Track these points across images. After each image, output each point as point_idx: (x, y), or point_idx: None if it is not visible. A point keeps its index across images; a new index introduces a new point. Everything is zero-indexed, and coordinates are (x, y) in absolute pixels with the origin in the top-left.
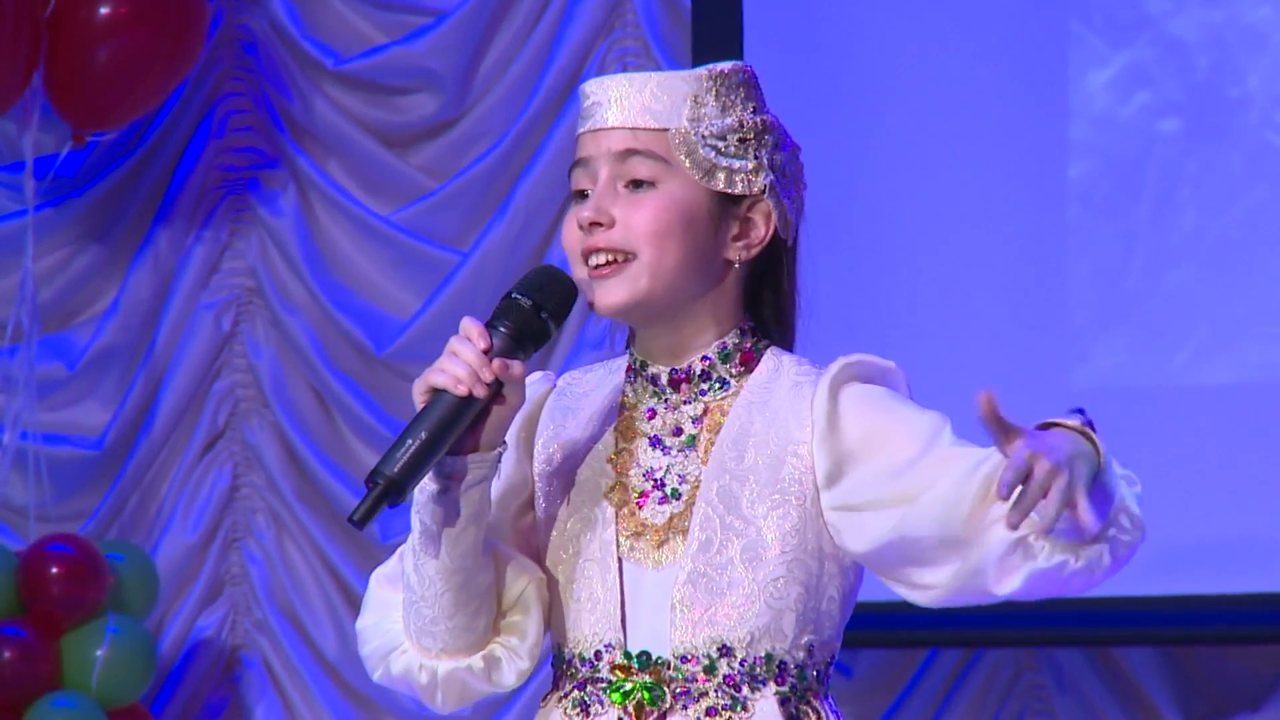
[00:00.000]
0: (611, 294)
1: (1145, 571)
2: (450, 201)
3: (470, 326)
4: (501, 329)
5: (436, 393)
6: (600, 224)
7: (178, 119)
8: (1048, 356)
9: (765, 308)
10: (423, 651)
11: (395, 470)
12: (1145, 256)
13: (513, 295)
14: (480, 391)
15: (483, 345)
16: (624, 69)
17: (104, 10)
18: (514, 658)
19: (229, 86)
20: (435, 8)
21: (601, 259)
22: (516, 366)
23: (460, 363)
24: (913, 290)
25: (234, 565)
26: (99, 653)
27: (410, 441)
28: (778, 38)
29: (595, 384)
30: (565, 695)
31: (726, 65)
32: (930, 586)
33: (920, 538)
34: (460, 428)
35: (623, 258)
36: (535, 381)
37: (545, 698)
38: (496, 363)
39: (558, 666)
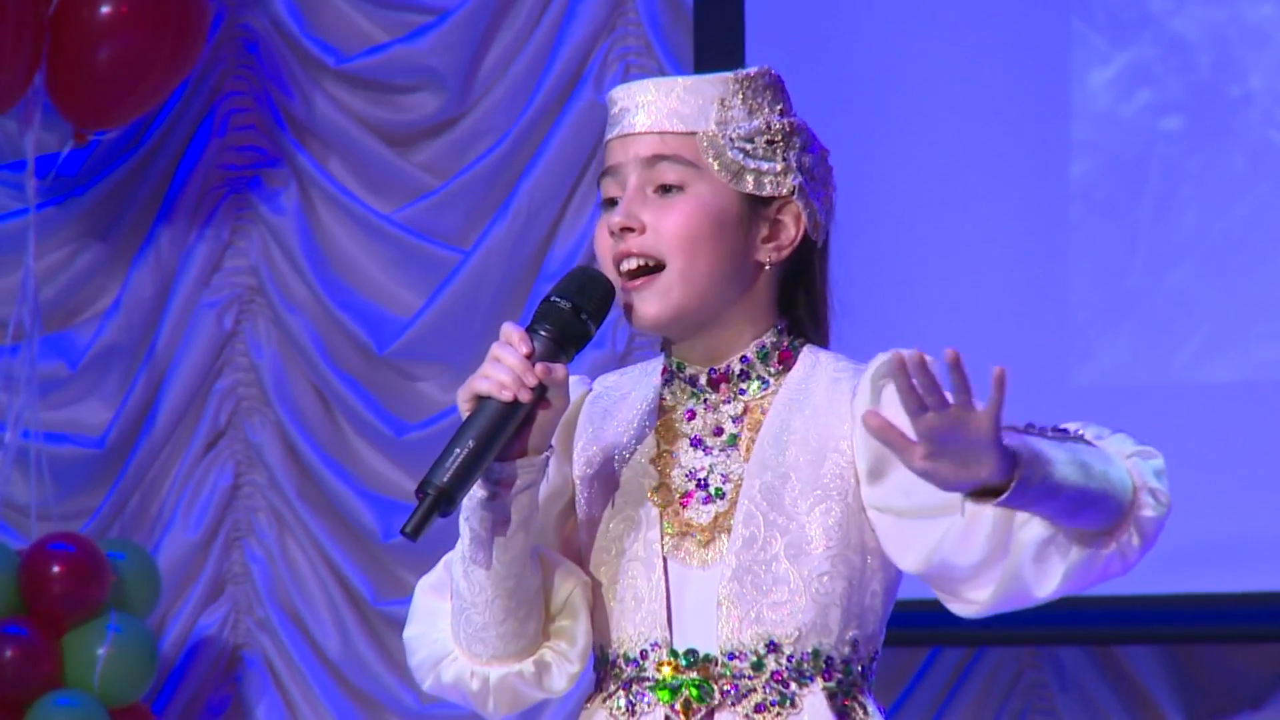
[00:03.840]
0: (647, 307)
1: (1147, 570)
2: (452, 200)
3: (511, 331)
4: (542, 333)
5: (481, 400)
6: (631, 229)
7: (179, 117)
8: (1049, 355)
9: (800, 308)
10: (473, 658)
11: (445, 480)
12: (1147, 255)
13: (552, 298)
14: (525, 396)
15: (525, 350)
16: (625, 68)
17: (106, 9)
18: (564, 662)
19: (231, 85)
20: (437, 6)
21: (633, 264)
22: (559, 370)
23: (504, 368)
24: (914, 289)
25: (236, 564)
26: (101, 651)
27: (458, 450)
28: (779, 36)
29: (632, 385)
30: (610, 696)
31: (753, 69)
32: (973, 602)
33: (961, 562)
34: (507, 434)
35: (653, 264)
36: (573, 385)
37: (589, 700)
38: (540, 367)
39: (601, 668)
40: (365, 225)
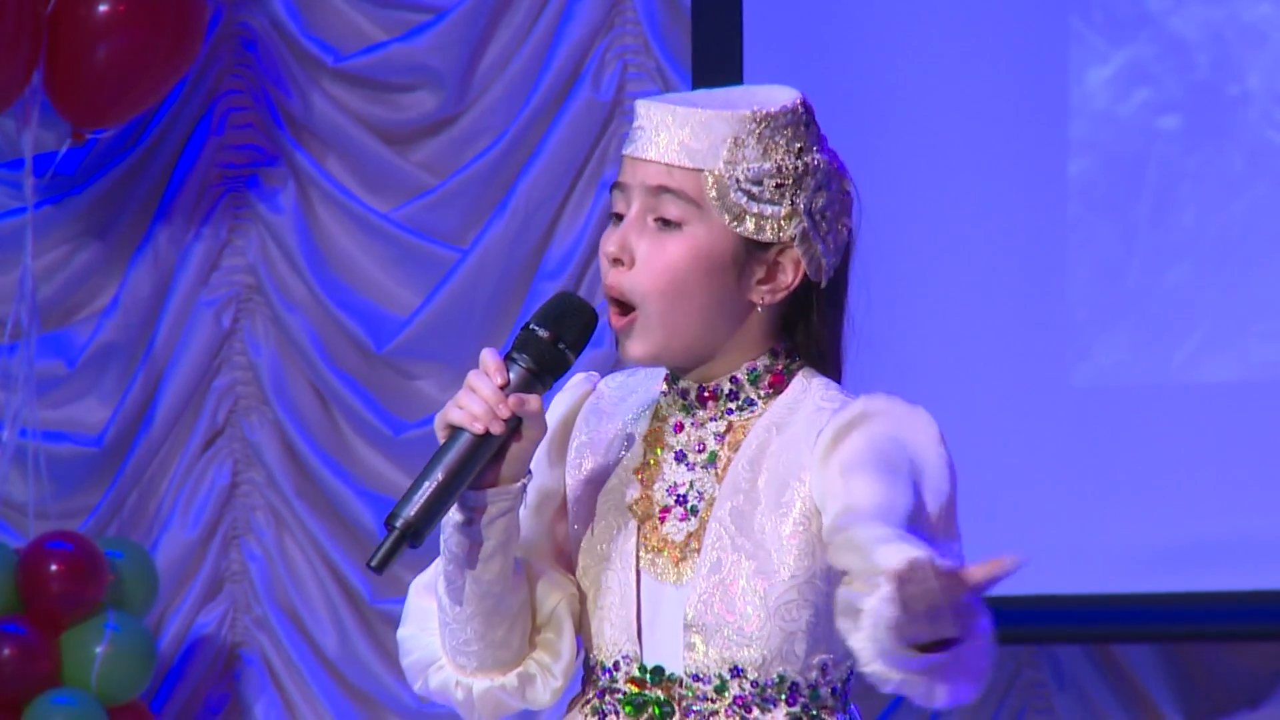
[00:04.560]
0: (633, 347)
1: (1146, 568)
2: (450, 199)
3: (488, 361)
4: (520, 362)
5: (454, 430)
6: (621, 262)
7: (177, 116)
8: (1048, 354)
9: (799, 337)
10: (458, 669)
11: (412, 514)
12: (1145, 254)
13: (531, 326)
14: (497, 428)
15: (499, 381)
16: (623, 67)
17: (104, 8)
18: (548, 676)
19: (229, 84)
20: (435, 5)
21: (615, 298)
22: (533, 401)
23: (477, 400)
24: (913, 288)
25: (234, 562)
26: (99, 650)
27: (427, 484)
28: (778, 35)
29: (634, 388)
30: (587, 702)
31: (775, 105)
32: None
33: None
34: (478, 465)
35: (633, 307)
36: (577, 383)
37: (572, 701)
38: (513, 398)
39: (586, 670)
40: (363, 224)
